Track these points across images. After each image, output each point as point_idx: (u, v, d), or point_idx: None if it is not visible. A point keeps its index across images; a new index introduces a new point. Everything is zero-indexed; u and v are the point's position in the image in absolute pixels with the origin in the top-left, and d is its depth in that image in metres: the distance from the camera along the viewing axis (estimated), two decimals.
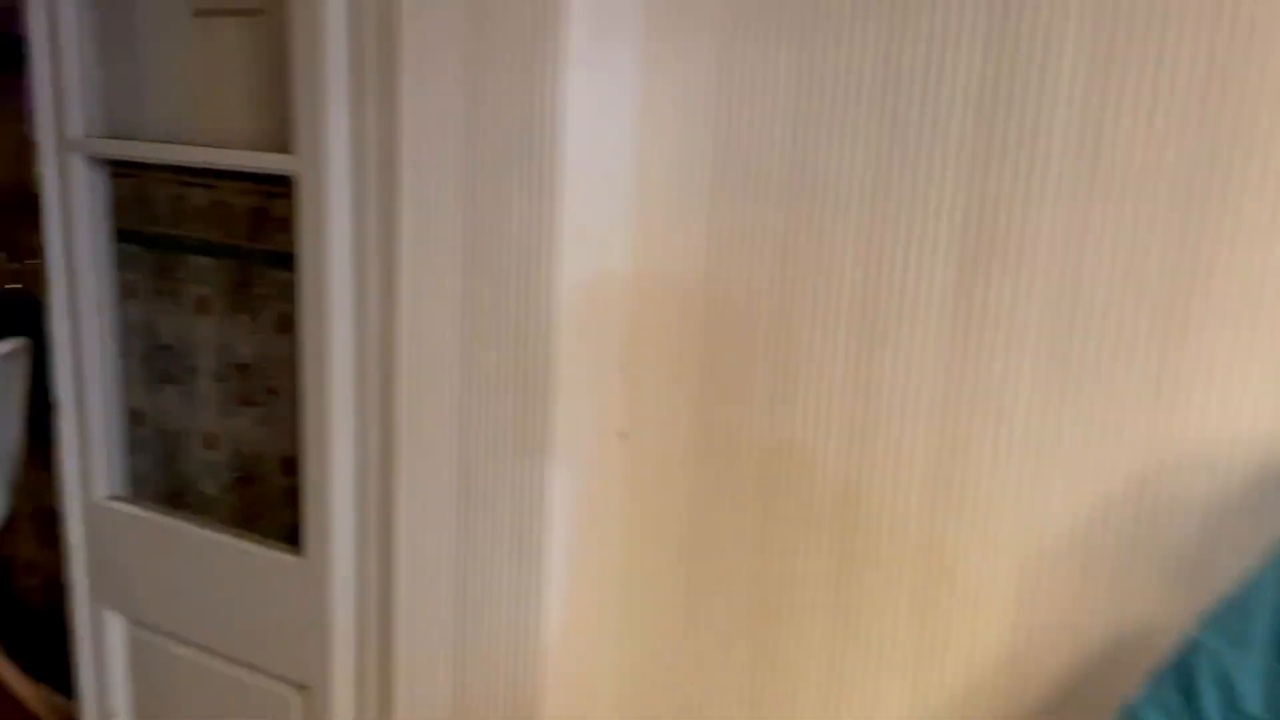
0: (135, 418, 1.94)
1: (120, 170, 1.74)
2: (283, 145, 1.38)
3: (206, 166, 1.53)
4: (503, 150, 1.22)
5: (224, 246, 1.74)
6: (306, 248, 1.37)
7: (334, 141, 1.32)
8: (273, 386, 1.74)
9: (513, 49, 1.19)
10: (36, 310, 1.79)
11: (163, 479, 1.91)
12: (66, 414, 1.67)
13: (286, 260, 1.59)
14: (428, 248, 1.30)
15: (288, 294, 1.65)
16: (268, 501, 1.77)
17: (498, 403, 1.29)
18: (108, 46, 1.73)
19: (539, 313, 1.23)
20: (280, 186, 1.49)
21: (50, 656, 2.01)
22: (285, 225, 1.63)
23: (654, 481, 1.37)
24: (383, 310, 1.35)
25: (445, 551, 1.37)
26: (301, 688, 1.52)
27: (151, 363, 1.92)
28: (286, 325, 1.68)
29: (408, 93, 1.26)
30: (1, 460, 2.02)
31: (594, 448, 1.34)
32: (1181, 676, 0.78)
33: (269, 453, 1.75)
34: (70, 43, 1.53)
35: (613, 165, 1.27)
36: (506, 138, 1.21)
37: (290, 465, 1.66)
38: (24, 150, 1.82)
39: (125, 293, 1.91)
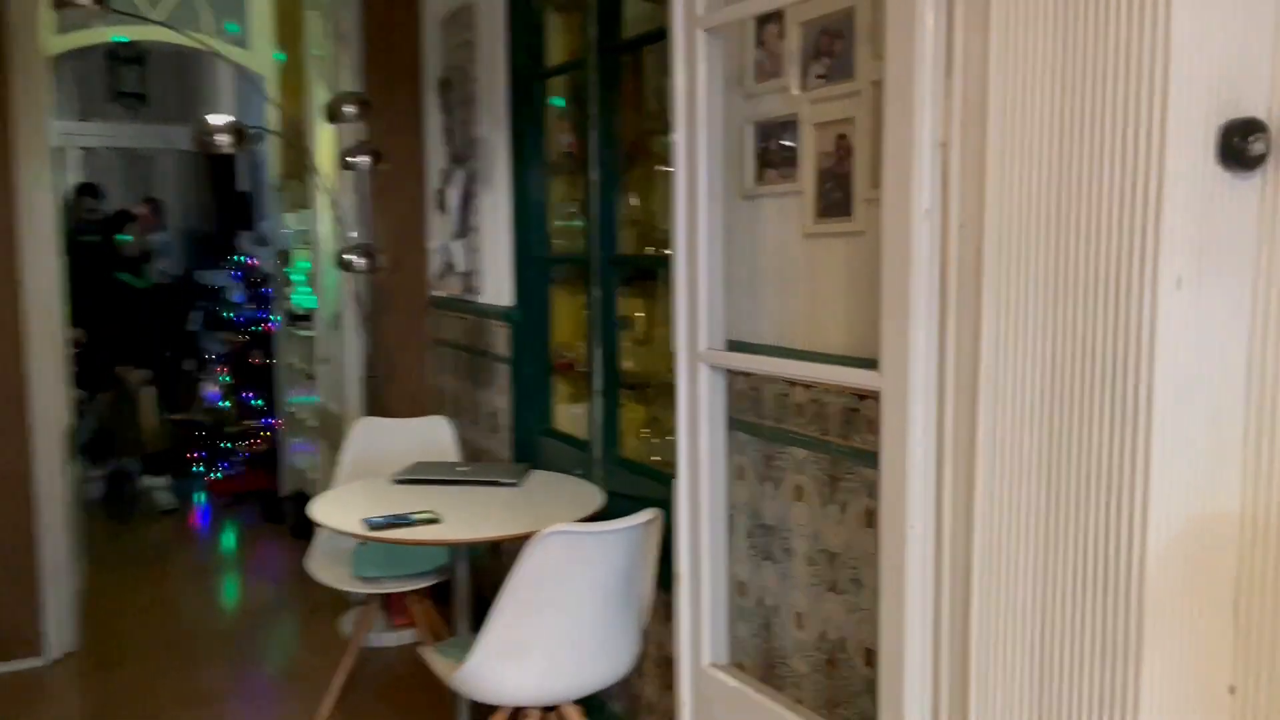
0: (739, 589, 2.16)
1: (736, 372, 1.99)
2: (873, 356, 1.49)
3: (801, 379, 1.69)
4: (1085, 381, 1.18)
5: (819, 441, 1.90)
6: (887, 455, 1.45)
7: (915, 362, 1.39)
8: (857, 577, 1.83)
9: (1102, 279, 1.16)
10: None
11: (758, 650, 2.08)
12: (684, 583, 1.92)
13: (874, 459, 1.69)
14: (1004, 467, 1.29)
15: (874, 491, 1.74)
16: (848, 689, 1.83)
17: (1078, 647, 1.22)
18: (730, 270, 2.02)
19: (1126, 555, 1.15)
20: (871, 392, 1.60)
21: None
22: (874, 427, 1.73)
23: None
24: (957, 522, 1.36)
25: None
26: None
27: (754, 540, 2.13)
28: (872, 520, 1.77)
29: (989, 320, 1.29)
30: (637, 611, 2.36)
31: (1194, 701, 1.20)
32: None
33: (851, 640, 1.83)
34: (703, 271, 1.82)
35: (1220, 397, 1.16)
36: (1089, 368, 1.18)
37: (872, 656, 1.71)
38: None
39: (735, 475, 2.16)
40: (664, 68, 2.05)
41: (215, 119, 3.03)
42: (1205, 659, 1.19)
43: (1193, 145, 1.12)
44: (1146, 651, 1.15)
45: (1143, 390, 1.13)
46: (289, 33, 5.02)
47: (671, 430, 2.12)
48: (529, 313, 3.20)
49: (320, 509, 2.60)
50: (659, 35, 2.43)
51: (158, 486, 5.71)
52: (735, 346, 1.99)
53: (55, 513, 3.66)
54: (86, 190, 6.27)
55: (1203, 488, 1.17)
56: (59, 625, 3.63)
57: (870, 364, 1.51)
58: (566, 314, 3.18)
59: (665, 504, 2.19)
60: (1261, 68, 1.14)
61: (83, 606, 3.91)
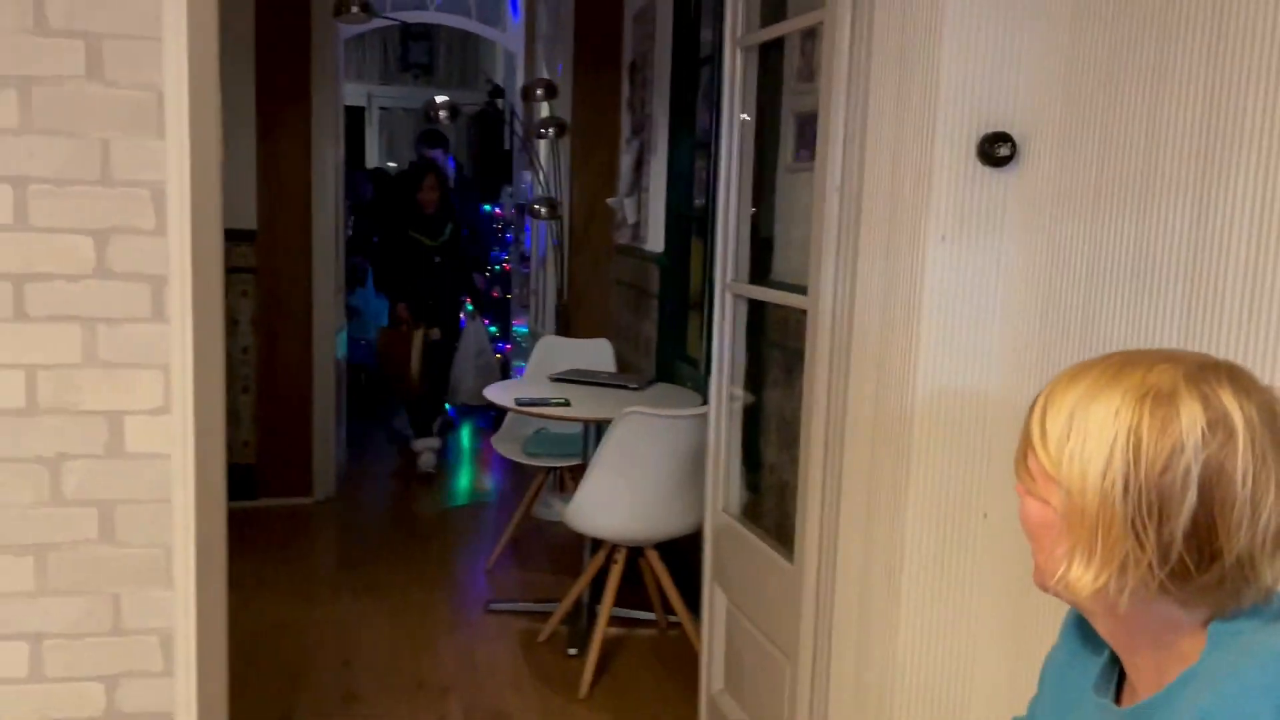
0: (770, 469, 2.84)
1: (769, 303, 2.66)
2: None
3: (768, 301, 2.39)
4: (896, 298, 1.80)
5: None
6: (807, 356, 2.10)
7: (824, 290, 2.03)
8: None
9: (909, 232, 1.78)
10: None
11: (775, 515, 2.76)
12: (710, 452, 2.62)
13: None
14: (864, 359, 1.92)
15: None
16: None
17: (883, 475, 1.84)
18: (780, 225, 2.69)
19: (906, 409, 1.77)
20: None
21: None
22: None
23: (1006, 554, 1.76)
24: (841, 398, 2.00)
25: (854, 576, 1.95)
26: (787, 656, 2.20)
27: (780, 432, 2.80)
28: None
29: (862, 262, 1.92)
30: (696, 487, 3.09)
31: (955, 517, 1.79)
32: None
33: None
34: (731, 224, 2.50)
35: (978, 313, 1.74)
36: (897, 289, 1.80)
37: None
38: None
39: (772, 384, 2.83)
40: (775, 61, 2.73)
41: (440, 98, 3.98)
42: (963, 489, 1.79)
43: (956, 148, 1.71)
44: (913, 472, 1.77)
45: (915, 306, 1.74)
46: (530, 18, 5.98)
47: None
48: (673, 258, 3.95)
49: (492, 391, 3.50)
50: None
51: (427, 448, 5.37)
52: (779, 284, 2.66)
53: (327, 394, 4.83)
54: (430, 138, 5.87)
55: (963, 369, 1.76)
56: (323, 477, 4.82)
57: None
58: (703, 260, 3.90)
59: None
60: (1012, 96, 1.70)
61: (339, 468, 5.09)
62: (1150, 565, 0.78)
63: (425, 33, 9.00)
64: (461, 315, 5.75)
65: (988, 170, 1.72)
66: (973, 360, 1.76)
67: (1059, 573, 0.84)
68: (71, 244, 1.50)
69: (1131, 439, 0.77)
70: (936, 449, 1.78)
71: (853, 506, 1.97)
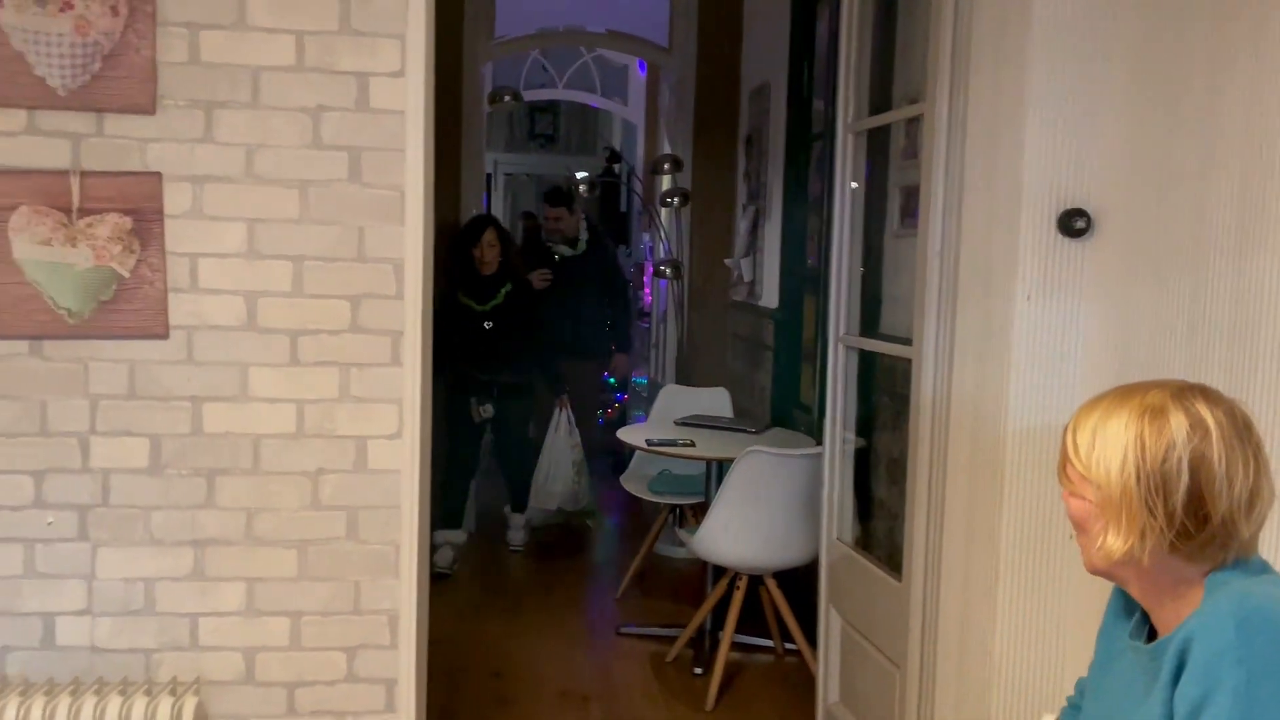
0: (879, 505, 3.15)
1: (879, 354, 2.99)
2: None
3: (873, 351, 2.72)
4: (989, 349, 2.13)
5: None
6: (913, 399, 2.43)
7: (927, 342, 2.36)
8: None
9: (999, 292, 2.11)
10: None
11: (886, 544, 3.07)
12: (825, 487, 2.95)
13: None
14: (962, 401, 2.24)
15: None
16: None
17: (980, 502, 2.15)
18: (887, 285, 3.04)
19: (998, 439, 2.09)
20: None
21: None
22: None
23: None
24: (943, 435, 2.32)
25: (956, 591, 2.25)
26: (896, 665, 2.50)
27: (890, 470, 3.11)
28: None
29: (959, 318, 2.25)
30: (811, 520, 3.40)
31: (1043, 530, 2.09)
32: None
33: None
34: (844, 282, 2.85)
35: (1059, 361, 2.05)
36: (990, 341, 2.12)
37: None
38: None
39: (883, 427, 3.15)
40: (882, 140, 3.09)
41: (580, 174, 4.45)
42: (1050, 514, 2.08)
43: (1040, 221, 2.04)
44: (1006, 500, 2.08)
45: (1004, 356, 2.07)
46: (652, 94, 6.47)
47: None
48: (787, 313, 4.30)
49: (624, 432, 3.90)
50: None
51: (445, 541, 4.73)
52: (885, 337, 2.99)
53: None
54: (553, 197, 5.22)
55: (1048, 406, 2.06)
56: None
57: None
58: (815, 314, 4.24)
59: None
60: (1088, 178, 2.02)
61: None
62: (1161, 529, 1.11)
63: (549, 105, 9.63)
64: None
65: (1066, 240, 2.04)
66: (1055, 403, 2.07)
67: (1099, 543, 1.17)
68: (334, 307, 1.97)
69: (1139, 442, 1.11)
70: (1025, 479, 2.08)
71: (954, 530, 2.28)
